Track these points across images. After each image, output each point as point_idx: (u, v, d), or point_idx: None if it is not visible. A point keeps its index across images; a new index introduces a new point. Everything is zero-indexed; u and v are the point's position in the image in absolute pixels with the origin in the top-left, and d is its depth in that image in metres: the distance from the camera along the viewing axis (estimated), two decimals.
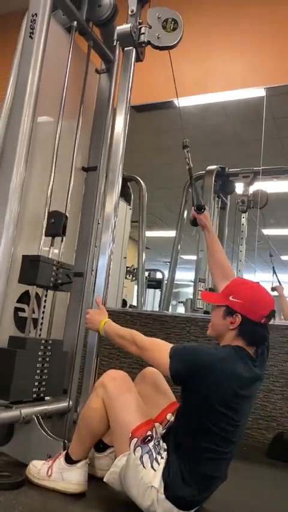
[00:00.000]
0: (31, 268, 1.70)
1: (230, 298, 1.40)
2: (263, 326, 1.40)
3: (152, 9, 1.91)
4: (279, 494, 1.81)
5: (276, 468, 2.10)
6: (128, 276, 4.78)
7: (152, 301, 5.67)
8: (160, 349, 1.37)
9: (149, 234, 4.94)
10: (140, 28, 1.91)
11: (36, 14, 1.74)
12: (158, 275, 5.81)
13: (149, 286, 5.65)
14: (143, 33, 1.91)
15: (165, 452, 1.33)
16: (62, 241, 1.86)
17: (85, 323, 1.70)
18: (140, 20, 1.93)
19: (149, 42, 1.90)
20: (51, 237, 1.83)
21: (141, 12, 1.96)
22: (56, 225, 1.80)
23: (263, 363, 1.43)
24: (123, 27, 1.90)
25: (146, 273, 5.92)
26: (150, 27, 1.89)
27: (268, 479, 1.99)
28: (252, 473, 2.01)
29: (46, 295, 1.84)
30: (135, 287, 4.41)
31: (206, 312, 3.20)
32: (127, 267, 4.63)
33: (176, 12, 1.89)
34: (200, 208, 1.79)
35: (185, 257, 4.90)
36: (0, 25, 4.15)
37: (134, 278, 4.45)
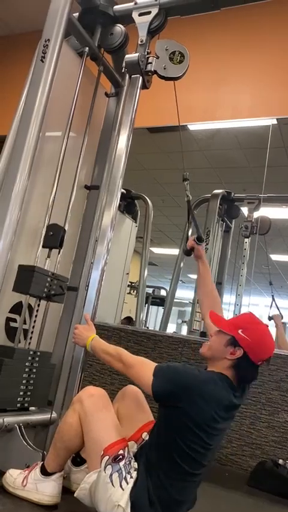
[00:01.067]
0: (26, 277, 1.76)
1: (239, 331, 1.42)
2: (257, 367, 1.43)
3: (161, 41, 1.99)
4: None
5: (256, 497, 2.09)
6: (132, 291, 4.82)
7: (155, 318, 5.70)
8: (145, 367, 1.42)
9: (157, 251, 4.99)
10: (148, 58, 1.99)
11: (49, 39, 1.83)
12: (163, 292, 5.84)
13: (153, 304, 5.68)
14: (150, 63, 1.98)
15: (135, 472, 1.35)
16: (58, 253, 1.92)
17: (72, 337, 1.74)
18: (149, 50, 2.01)
19: (155, 72, 1.97)
20: (48, 248, 1.89)
21: (151, 42, 2.04)
22: (54, 238, 1.86)
23: (243, 395, 1.45)
24: (131, 56, 1.98)
25: (150, 290, 5.96)
26: (157, 57, 1.97)
27: (247, 507, 1.98)
28: (232, 500, 2.01)
29: (39, 306, 1.89)
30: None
31: (203, 334, 3.22)
32: (132, 283, 4.67)
33: (184, 47, 1.96)
34: (200, 240, 1.83)
35: (192, 276, 4.94)
36: (16, 44, 4.31)
37: (137, 294, 4.49)
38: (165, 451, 1.34)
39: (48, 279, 1.83)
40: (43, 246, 1.87)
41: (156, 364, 1.41)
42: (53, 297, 1.85)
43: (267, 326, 1.47)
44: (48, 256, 1.89)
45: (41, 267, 1.83)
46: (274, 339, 3.30)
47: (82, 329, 1.72)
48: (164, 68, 1.95)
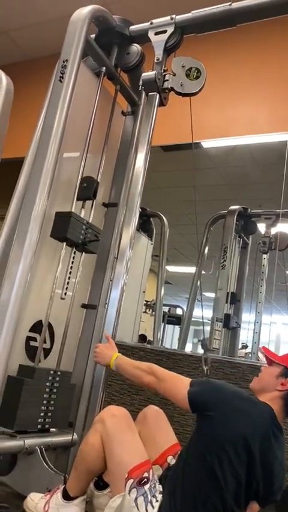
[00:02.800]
0: (63, 223, 1.81)
1: None
2: None
3: (177, 58, 2.00)
4: None
5: None
6: (148, 310, 4.78)
7: (171, 337, 5.63)
8: (180, 380, 1.42)
9: (172, 269, 4.97)
10: (165, 75, 2.00)
11: (67, 60, 1.86)
12: (178, 311, 5.78)
13: (169, 322, 5.61)
14: (167, 80, 1.99)
15: (161, 495, 1.30)
16: (92, 204, 2.00)
17: (94, 356, 1.71)
18: (165, 68, 2.02)
19: (172, 89, 1.98)
20: (82, 200, 1.95)
21: (167, 60, 2.05)
22: (87, 189, 1.93)
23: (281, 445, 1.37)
24: (148, 74, 1.99)
25: (166, 309, 5.90)
26: (174, 74, 1.98)
27: None
28: None
29: (75, 254, 1.92)
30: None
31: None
32: (147, 301, 4.64)
33: (200, 63, 1.97)
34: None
35: (209, 294, 4.89)
36: (34, 68, 4.42)
37: (153, 312, 4.45)
38: (195, 476, 1.28)
39: (84, 227, 1.89)
40: (78, 199, 1.94)
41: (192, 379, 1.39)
42: (88, 243, 1.91)
43: None
44: (83, 207, 1.95)
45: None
46: None
47: (103, 347, 1.69)
48: (181, 85, 1.96)
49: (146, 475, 1.32)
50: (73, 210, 1.90)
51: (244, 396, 1.35)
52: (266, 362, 1.53)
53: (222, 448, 1.25)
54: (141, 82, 2.02)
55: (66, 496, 1.45)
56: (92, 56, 2.06)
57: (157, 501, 1.29)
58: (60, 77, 1.84)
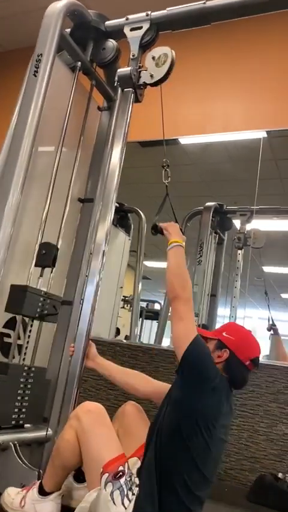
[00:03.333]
0: (18, 297, 1.73)
1: (224, 333, 1.50)
2: (247, 369, 1.46)
3: (149, 53, 2.00)
4: None
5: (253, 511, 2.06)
6: (126, 305, 4.78)
7: (149, 332, 5.65)
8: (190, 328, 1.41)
9: (150, 264, 4.99)
10: (140, 72, 2.00)
11: (41, 54, 1.84)
12: (156, 306, 5.81)
13: (147, 318, 5.64)
14: (142, 76, 2.00)
15: (137, 488, 1.32)
16: (51, 272, 1.90)
17: (167, 225, 1.77)
18: (141, 64, 2.03)
19: (145, 84, 1.98)
20: (41, 267, 1.86)
21: (143, 56, 2.06)
22: (46, 256, 1.84)
23: (231, 411, 1.46)
24: (124, 70, 1.99)
25: (144, 304, 5.93)
26: (146, 69, 1.98)
27: None
28: None
29: (32, 322, 1.87)
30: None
31: None
32: (125, 297, 4.65)
33: (167, 47, 1.96)
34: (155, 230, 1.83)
35: None
36: (8, 61, 4.34)
37: (131, 308, 4.46)
38: (168, 450, 1.31)
39: (41, 299, 1.81)
40: (36, 265, 1.85)
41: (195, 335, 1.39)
42: (46, 317, 1.83)
43: (251, 332, 1.57)
44: (41, 275, 1.86)
45: (34, 286, 1.81)
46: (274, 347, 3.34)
47: (178, 227, 1.73)
48: (151, 76, 1.96)
49: (121, 468, 1.33)
50: (30, 277, 1.83)
51: (220, 376, 1.39)
52: None
53: (196, 422, 1.31)
54: (116, 78, 2.02)
55: (42, 492, 1.46)
56: (67, 50, 2.05)
57: (133, 494, 1.30)
58: (34, 71, 1.83)
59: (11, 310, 1.76)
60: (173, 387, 1.43)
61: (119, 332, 4.28)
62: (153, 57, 1.95)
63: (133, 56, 2.01)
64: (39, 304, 1.80)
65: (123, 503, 1.28)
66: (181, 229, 1.74)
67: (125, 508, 1.27)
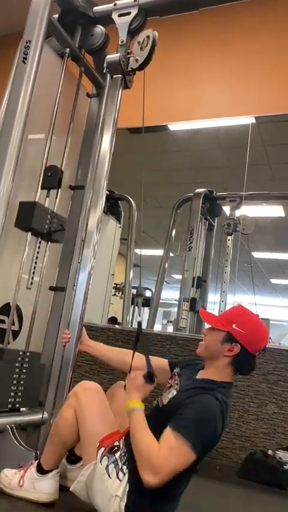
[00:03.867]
0: (27, 212, 1.79)
1: (234, 326, 1.42)
2: (255, 357, 1.45)
3: (136, 38, 2.00)
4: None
5: (246, 487, 2.13)
6: (117, 293, 4.82)
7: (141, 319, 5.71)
8: (177, 454, 1.26)
9: (141, 251, 5.02)
10: (129, 58, 2.01)
11: (30, 41, 1.84)
12: (148, 293, 5.87)
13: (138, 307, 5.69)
14: (130, 63, 2.00)
15: (129, 464, 1.36)
16: (57, 194, 1.97)
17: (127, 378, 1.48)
18: (129, 50, 2.03)
19: (132, 69, 1.99)
20: (47, 189, 1.93)
21: (131, 42, 2.06)
22: (52, 178, 1.92)
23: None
24: (112, 56, 2.00)
25: (135, 291, 5.96)
26: (133, 55, 1.98)
27: (238, 497, 2.02)
28: (223, 491, 2.04)
29: (40, 243, 1.90)
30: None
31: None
32: (116, 284, 4.68)
33: (150, 30, 1.96)
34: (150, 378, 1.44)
35: (176, 276, 4.97)
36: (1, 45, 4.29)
37: (123, 295, 4.50)
38: None
39: (49, 216, 1.87)
40: (42, 187, 1.92)
41: (190, 444, 1.25)
42: (54, 233, 1.89)
43: (258, 316, 1.49)
44: (47, 196, 1.94)
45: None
46: None
47: (129, 382, 1.45)
48: (136, 61, 1.96)
49: (116, 443, 1.38)
50: (37, 199, 1.89)
51: (218, 418, 1.31)
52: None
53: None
54: (105, 64, 2.02)
55: (41, 470, 1.50)
56: (56, 36, 2.04)
57: (128, 468, 1.34)
58: (23, 58, 1.83)
59: (21, 225, 1.81)
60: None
61: (116, 321, 4.32)
62: (138, 42, 1.96)
63: (122, 42, 2.01)
64: (47, 221, 1.86)
65: (117, 477, 1.33)
66: (148, 373, 1.43)
67: (120, 481, 1.32)
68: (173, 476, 1.25)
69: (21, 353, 1.82)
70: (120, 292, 4.61)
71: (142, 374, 1.43)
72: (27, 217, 1.80)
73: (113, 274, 4.25)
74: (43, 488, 1.48)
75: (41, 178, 1.92)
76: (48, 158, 1.98)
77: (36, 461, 1.54)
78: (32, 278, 1.90)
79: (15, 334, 1.93)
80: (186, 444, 1.25)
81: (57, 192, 1.98)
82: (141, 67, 1.98)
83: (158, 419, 1.37)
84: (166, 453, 1.25)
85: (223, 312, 1.56)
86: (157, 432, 1.31)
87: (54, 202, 1.98)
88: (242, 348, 1.41)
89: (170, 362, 1.66)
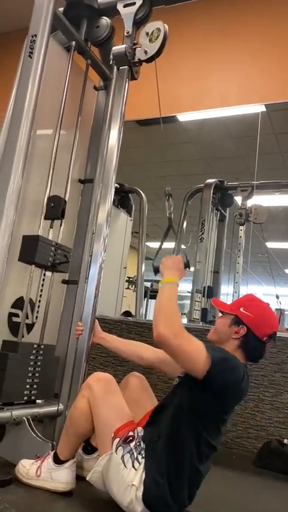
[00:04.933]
0: (30, 247, 1.79)
1: (241, 309, 1.48)
2: (263, 344, 1.48)
3: (143, 28, 1.99)
4: (263, 501, 1.84)
5: (263, 476, 2.13)
6: (130, 286, 4.84)
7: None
8: (198, 347, 1.33)
9: (152, 245, 5.03)
10: (135, 49, 2.00)
11: (35, 35, 1.84)
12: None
13: (152, 297, 5.70)
14: (136, 53, 1.99)
15: (146, 452, 1.37)
16: (60, 224, 1.97)
17: (161, 262, 1.60)
18: (135, 41, 2.02)
19: (140, 60, 1.98)
20: (50, 220, 1.93)
21: (137, 33, 2.05)
22: (55, 209, 1.91)
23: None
24: (118, 47, 1.99)
25: (148, 284, 5.97)
26: (140, 46, 1.97)
27: (255, 486, 2.02)
28: (240, 480, 2.05)
29: (45, 276, 1.91)
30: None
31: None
32: (129, 278, 4.69)
33: (160, 22, 1.94)
34: (187, 266, 1.65)
35: (191, 269, 4.96)
36: (3, 43, 4.30)
37: (136, 288, 4.52)
38: (182, 431, 1.36)
39: (52, 248, 1.87)
40: (45, 218, 1.92)
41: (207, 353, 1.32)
42: (58, 265, 1.90)
43: (269, 304, 1.52)
44: (51, 227, 1.93)
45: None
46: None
47: (172, 260, 1.57)
48: (145, 52, 1.95)
49: (131, 433, 1.40)
50: (41, 230, 1.89)
51: (243, 372, 1.37)
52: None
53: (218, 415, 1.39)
54: (111, 56, 2.02)
55: (57, 460, 1.53)
56: (61, 30, 2.04)
57: (143, 458, 1.36)
58: (29, 52, 1.83)
59: (24, 259, 1.81)
60: (192, 383, 1.36)
61: (130, 315, 4.34)
62: (147, 33, 1.94)
63: (127, 33, 2.00)
64: (51, 253, 1.86)
65: (133, 466, 1.34)
66: (186, 262, 1.61)
67: (135, 470, 1.34)
68: (180, 353, 1.32)
69: (35, 345, 1.84)
70: (133, 286, 4.63)
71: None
72: (31, 251, 1.79)
73: (125, 268, 4.26)
74: (60, 477, 1.50)
75: (44, 209, 1.92)
76: (57, 151, 1.99)
77: (53, 452, 1.56)
78: (45, 272, 1.92)
79: (30, 327, 1.95)
80: (205, 351, 1.31)
81: (61, 222, 1.96)
82: (151, 59, 1.97)
83: (177, 388, 1.44)
84: (188, 335, 1.34)
85: (215, 300, 1.60)
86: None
87: (59, 232, 1.97)
88: (249, 330, 1.44)
89: None
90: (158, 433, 1.39)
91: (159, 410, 1.48)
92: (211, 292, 3.71)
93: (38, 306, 1.93)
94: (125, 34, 2.01)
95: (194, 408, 1.36)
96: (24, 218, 1.91)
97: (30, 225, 1.93)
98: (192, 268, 4.01)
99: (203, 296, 3.60)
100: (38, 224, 1.92)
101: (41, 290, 1.92)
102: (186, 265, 1.61)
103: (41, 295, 1.92)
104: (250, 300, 1.54)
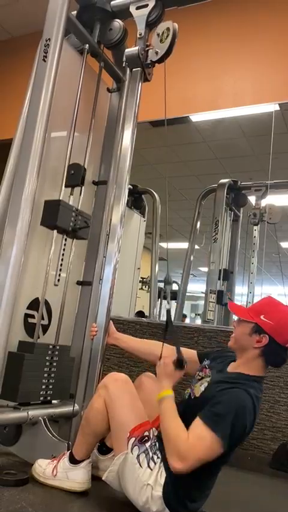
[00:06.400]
0: (52, 211, 1.83)
1: (262, 317, 1.42)
2: (286, 349, 1.43)
3: (155, 29, 1.99)
4: (279, 503, 1.83)
5: (280, 478, 2.12)
6: (144, 287, 4.84)
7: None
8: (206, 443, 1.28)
9: (165, 245, 5.04)
10: (148, 50, 2.00)
11: (49, 39, 1.86)
12: (174, 286, 5.87)
13: (165, 298, 5.70)
14: (149, 55, 2.00)
15: (161, 452, 1.37)
16: (80, 191, 1.99)
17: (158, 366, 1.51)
18: (148, 43, 2.02)
19: (152, 62, 1.98)
20: (70, 187, 1.96)
21: (150, 35, 2.05)
22: (75, 176, 1.94)
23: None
24: (131, 49, 2.00)
25: (161, 285, 5.97)
26: (152, 47, 1.98)
27: (272, 488, 2.01)
28: (256, 482, 2.04)
29: (66, 241, 1.93)
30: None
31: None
32: (143, 278, 4.70)
33: (170, 21, 1.94)
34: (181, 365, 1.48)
35: (202, 269, 4.95)
36: (17, 47, 4.35)
37: (149, 289, 4.52)
38: None
39: (73, 214, 1.91)
40: (66, 186, 1.95)
41: (218, 438, 1.27)
42: (79, 230, 1.93)
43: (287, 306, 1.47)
44: (71, 194, 1.96)
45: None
46: None
47: (160, 369, 1.48)
48: (156, 53, 1.95)
49: (146, 433, 1.40)
50: (62, 197, 1.91)
51: (252, 411, 1.33)
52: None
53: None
54: (124, 58, 2.03)
55: (73, 460, 1.54)
56: (75, 33, 2.06)
57: (158, 457, 1.37)
58: (43, 56, 1.85)
59: (46, 223, 1.85)
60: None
61: (144, 315, 4.35)
62: (158, 34, 1.95)
63: (140, 35, 2.01)
64: (72, 218, 1.90)
65: (149, 466, 1.35)
66: (177, 360, 1.46)
67: (151, 470, 1.34)
68: (199, 464, 1.28)
69: (51, 346, 1.86)
70: (147, 286, 4.63)
71: (172, 360, 1.46)
72: (53, 215, 1.83)
73: (138, 268, 4.27)
74: (76, 477, 1.51)
75: (64, 176, 1.95)
76: (71, 155, 2.01)
77: (69, 452, 1.57)
78: (59, 274, 1.93)
79: (45, 328, 1.97)
80: (215, 437, 1.27)
81: (81, 189, 2.00)
82: (162, 60, 1.97)
83: (189, 410, 1.38)
84: (194, 442, 1.28)
85: (252, 304, 1.53)
86: (186, 423, 1.33)
87: (79, 200, 2.00)
88: (271, 339, 1.40)
89: (198, 353, 1.66)
90: None
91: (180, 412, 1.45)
92: (221, 296, 3.69)
93: (60, 269, 1.93)
94: (138, 36, 2.02)
95: None
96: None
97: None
98: (206, 269, 4.00)
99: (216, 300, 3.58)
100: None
101: (62, 256, 1.93)
102: (179, 364, 1.46)
103: (63, 254, 1.93)
104: (269, 305, 1.47)
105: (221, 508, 1.51)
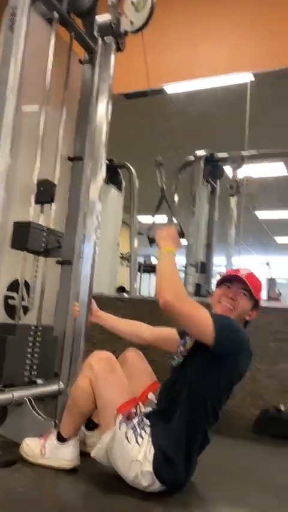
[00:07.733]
0: (22, 233, 1.77)
1: (259, 296, 1.59)
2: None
3: None
4: (263, 466, 1.91)
5: (261, 442, 2.20)
6: (123, 262, 4.84)
7: (148, 286, 5.76)
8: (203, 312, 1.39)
9: (144, 219, 5.01)
10: (120, 19, 1.93)
11: (16, 7, 1.77)
12: (154, 260, 5.88)
13: (145, 271, 5.73)
14: (122, 24, 1.92)
15: (149, 428, 1.41)
16: (51, 208, 1.93)
17: (156, 233, 1.61)
18: (120, 11, 1.94)
19: (125, 31, 1.91)
20: (40, 204, 1.90)
21: (122, 2, 1.97)
22: (45, 193, 1.88)
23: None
24: (102, 17, 1.92)
25: (141, 259, 5.97)
26: (126, 16, 1.91)
27: (254, 452, 2.09)
28: (240, 447, 2.12)
29: (38, 262, 1.91)
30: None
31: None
32: (122, 254, 4.69)
33: None
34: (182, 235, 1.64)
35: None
36: None
37: (129, 264, 4.52)
38: (190, 401, 1.41)
39: (44, 234, 1.85)
40: (36, 202, 1.88)
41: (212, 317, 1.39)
42: (51, 251, 1.88)
43: None
44: (42, 212, 1.90)
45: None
46: None
47: (167, 231, 1.59)
48: (131, 23, 1.89)
49: (133, 410, 1.43)
50: (31, 215, 1.85)
51: (246, 337, 1.47)
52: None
53: (228, 385, 1.47)
54: (96, 27, 1.95)
55: (61, 438, 1.55)
56: (42, 1, 1.95)
57: (146, 433, 1.40)
58: (10, 26, 1.76)
59: (16, 246, 1.78)
60: (201, 358, 1.43)
61: (125, 290, 4.36)
62: (132, 2, 1.87)
63: (112, 3, 1.92)
64: (43, 239, 1.84)
65: (137, 441, 1.38)
66: (180, 231, 1.61)
67: (139, 446, 1.37)
68: (184, 319, 1.39)
69: (33, 327, 1.85)
70: (127, 261, 4.63)
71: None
72: (23, 238, 1.76)
73: (118, 244, 4.25)
74: (64, 455, 1.53)
75: (32, 213, 1.87)
76: (44, 129, 1.94)
77: (56, 430, 1.59)
78: (38, 258, 1.90)
79: (26, 310, 1.95)
80: (211, 320, 1.37)
81: (51, 207, 1.93)
82: (138, 31, 1.91)
83: (180, 370, 1.49)
84: (195, 303, 1.41)
85: (248, 277, 1.55)
86: (179, 389, 1.43)
87: (50, 218, 1.93)
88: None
89: (178, 330, 1.70)
90: (172, 407, 1.43)
91: (170, 385, 1.52)
92: (204, 267, 3.73)
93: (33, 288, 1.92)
94: (109, 4, 1.94)
95: (209, 374, 1.42)
96: (14, 202, 1.88)
97: (20, 210, 1.89)
98: (186, 242, 4.02)
99: (197, 272, 3.62)
100: (28, 208, 1.88)
101: (35, 276, 1.91)
102: (181, 235, 1.61)
103: (35, 278, 1.91)
104: (261, 284, 1.60)
105: (208, 474, 1.56)
